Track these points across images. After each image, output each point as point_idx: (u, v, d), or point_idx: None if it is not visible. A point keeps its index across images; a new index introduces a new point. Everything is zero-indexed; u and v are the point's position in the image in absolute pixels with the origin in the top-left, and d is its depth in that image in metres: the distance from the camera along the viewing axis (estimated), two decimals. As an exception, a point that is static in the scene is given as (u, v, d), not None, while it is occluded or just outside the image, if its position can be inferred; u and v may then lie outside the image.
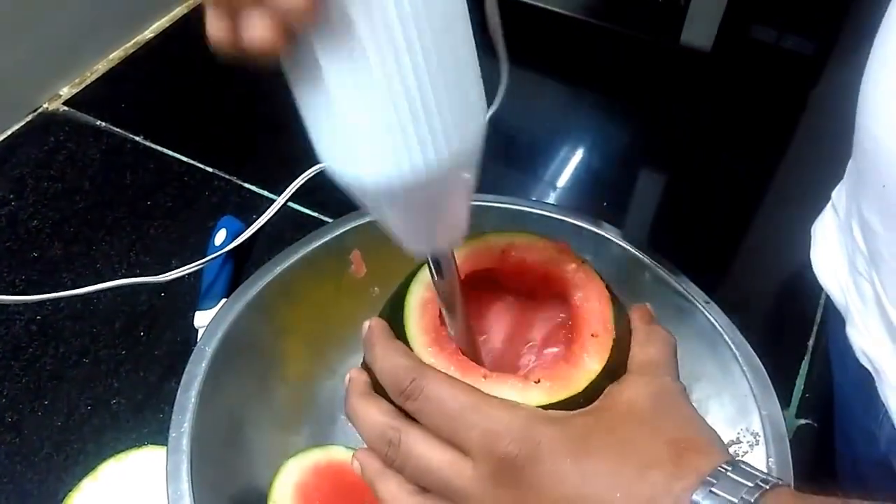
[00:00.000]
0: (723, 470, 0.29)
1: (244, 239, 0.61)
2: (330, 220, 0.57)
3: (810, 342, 0.60)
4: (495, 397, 0.32)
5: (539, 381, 0.33)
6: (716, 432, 0.32)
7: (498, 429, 0.30)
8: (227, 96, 0.79)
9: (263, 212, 0.64)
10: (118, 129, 0.74)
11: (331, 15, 0.24)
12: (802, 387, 0.57)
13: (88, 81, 0.79)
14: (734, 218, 0.71)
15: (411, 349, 0.34)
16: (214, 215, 0.65)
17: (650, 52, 0.83)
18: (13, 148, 0.71)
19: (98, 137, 0.73)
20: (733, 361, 0.45)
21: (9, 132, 0.73)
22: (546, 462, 0.30)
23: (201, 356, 0.44)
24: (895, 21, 0.38)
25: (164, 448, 0.41)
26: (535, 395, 0.32)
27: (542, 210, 0.52)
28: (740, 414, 0.44)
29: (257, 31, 0.24)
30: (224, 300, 0.58)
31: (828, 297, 0.48)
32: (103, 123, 0.74)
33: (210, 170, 0.71)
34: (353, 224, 0.51)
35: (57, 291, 0.60)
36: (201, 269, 0.59)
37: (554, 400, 0.32)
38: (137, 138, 0.73)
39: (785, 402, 0.49)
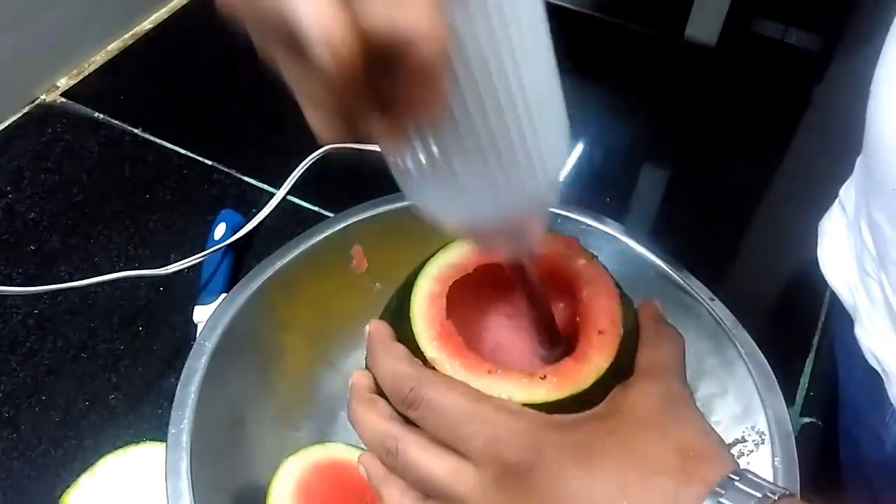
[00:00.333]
0: (731, 479, 0.28)
1: (244, 233, 0.60)
2: (330, 214, 0.56)
3: (815, 340, 0.60)
4: (498, 401, 0.31)
5: (545, 377, 0.32)
6: (721, 439, 0.32)
7: (501, 435, 0.30)
8: (226, 89, 0.78)
9: (263, 205, 0.64)
10: (116, 122, 0.73)
11: (448, 109, 0.24)
12: (807, 385, 0.57)
13: (87, 73, 0.78)
14: (738, 214, 0.71)
15: (416, 343, 0.34)
16: (214, 208, 0.65)
17: (654, 47, 0.83)
18: (10, 140, 0.71)
19: (96, 129, 0.72)
20: (738, 359, 0.45)
21: (6, 124, 0.72)
22: (550, 468, 0.30)
23: (201, 351, 0.44)
24: None
25: (163, 444, 0.40)
26: (540, 391, 0.32)
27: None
28: (745, 412, 0.43)
29: (378, 132, 0.23)
30: (224, 295, 0.57)
31: (833, 295, 0.48)
32: (101, 115, 0.74)
33: (209, 163, 0.70)
34: (355, 219, 0.51)
35: (54, 284, 0.59)
36: (200, 263, 0.59)
37: (559, 396, 0.32)
38: (136, 130, 0.73)
39: (790, 400, 0.49)
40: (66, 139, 0.71)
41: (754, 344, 0.45)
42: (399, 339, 0.35)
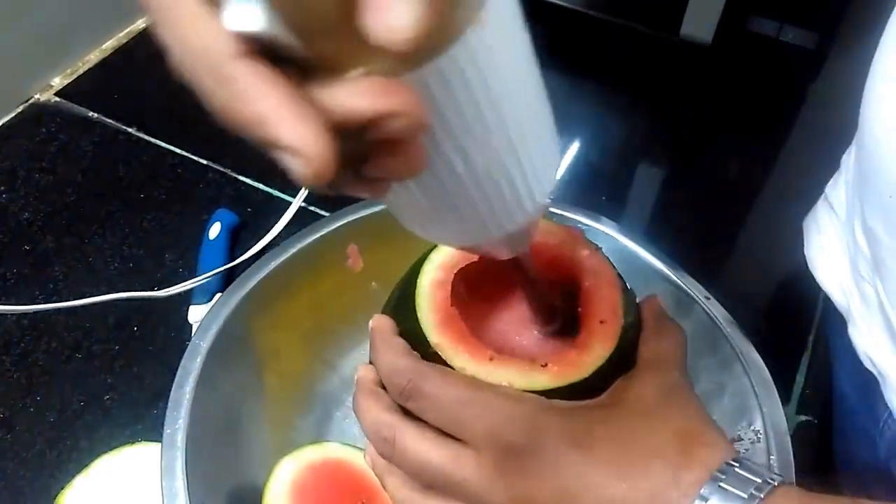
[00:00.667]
0: (730, 465, 0.28)
1: (264, 244, 0.59)
2: (326, 214, 0.56)
3: (810, 338, 0.60)
4: (498, 387, 0.31)
5: (546, 364, 0.32)
6: (721, 428, 0.32)
7: (502, 419, 0.30)
8: (221, 88, 0.78)
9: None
10: (111, 121, 0.73)
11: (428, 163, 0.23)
12: (803, 383, 0.57)
13: (81, 72, 0.78)
14: (733, 212, 0.71)
15: (421, 329, 0.34)
16: (209, 208, 0.65)
17: (650, 45, 0.83)
18: (4, 139, 0.70)
19: (90, 129, 0.72)
20: (734, 358, 0.45)
21: (0, 123, 0.72)
22: (551, 452, 0.30)
23: (196, 351, 0.44)
24: None
25: (158, 444, 0.40)
26: (541, 379, 0.32)
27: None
28: (741, 411, 0.43)
29: (359, 193, 0.23)
30: (219, 295, 0.57)
31: (826, 296, 0.48)
32: (96, 115, 0.73)
33: (204, 162, 0.70)
34: (350, 218, 0.51)
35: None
36: (196, 263, 0.58)
37: (560, 384, 0.32)
38: (130, 130, 0.72)
39: (785, 398, 0.49)
40: (60, 138, 0.71)
41: (750, 343, 0.45)
42: (403, 326, 0.35)
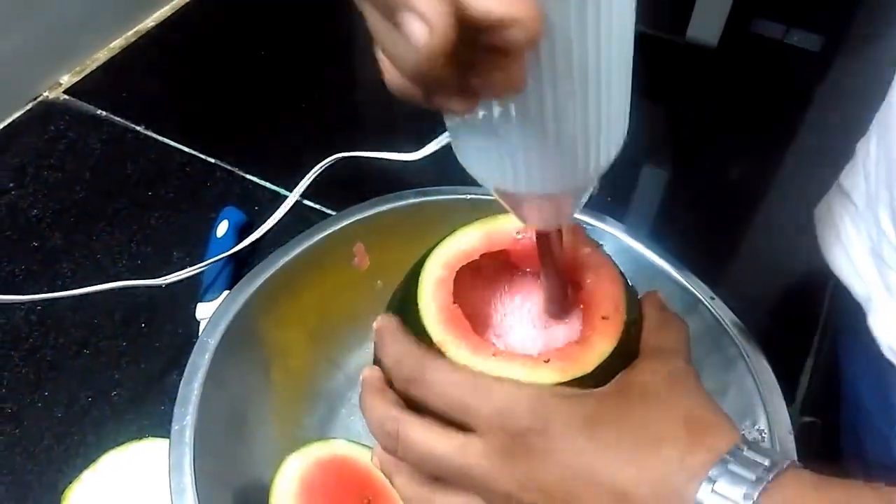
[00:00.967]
0: (739, 448, 0.28)
1: (256, 237, 0.60)
2: (333, 213, 0.56)
3: (815, 338, 0.60)
4: (503, 377, 0.32)
5: (549, 360, 0.33)
6: (728, 415, 0.32)
7: (508, 404, 0.30)
8: (228, 86, 0.78)
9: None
10: (119, 119, 0.73)
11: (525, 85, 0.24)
12: (807, 384, 0.57)
13: (89, 70, 0.78)
14: (738, 214, 0.71)
15: (423, 326, 0.34)
16: (216, 206, 0.65)
17: (656, 47, 0.83)
18: (13, 136, 0.71)
19: (99, 127, 0.73)
20: (738, 358, 0.45)
21: (9, 120, 0.72)
22: (558, 436, 0.30)
23: (204, 348, 0.44)
24: None
25: (165, 440, 0.40)
26: (545, 374, 0.32)
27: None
28: (746, 411, 0.43)
29: (450, 105, 0.24)
30: (226, 292, 0.57)
31: (837, 292, 0.47)
32: (104, 112, 0.74)
33: (212, 160, 0.70)
34: (357, 217, 0.51)
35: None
36: (204, 260, 0.59)
37: (564, 379, 0.32)
38: (138, 128, 0.73)
39: (790, 398, 0.49)
40: (69, 136, 0.71)
41: (754, 343, 0.45)
42: (406, 324, 0.35)
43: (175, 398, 0.42)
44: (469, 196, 0.51)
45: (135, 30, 0.83)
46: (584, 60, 0.24)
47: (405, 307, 0.36)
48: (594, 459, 0.29)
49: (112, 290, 0.54)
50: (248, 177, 0.69)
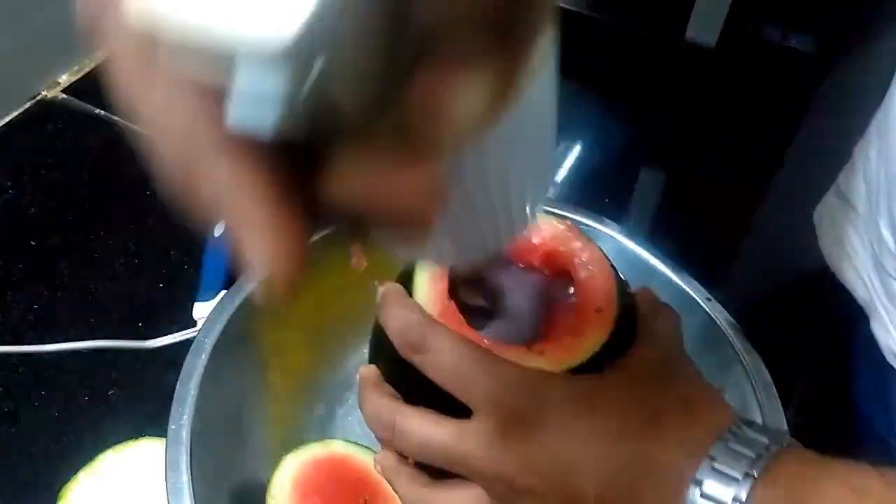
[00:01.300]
0: (738, 427, 0.28)
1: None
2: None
3: (812, 340, 0.60)
4: (503, 358, 0.32)
5: (542, 351, 0.33)
6: (723, 396, 0.32)
7: (506, 384, 0.30)
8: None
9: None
10: (117, 118, 0.73)
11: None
12: (804, 386, 0.57)
13: (88, 69, 0.78)
14: (736, 216, 0.71)
15: None
16: (214, 206, 0.65)
17: (654, 49, 0.83)
18: (11, 135, 0.71)
19: (97, 126, 0.72)
20: (735, 360, 0.45)
21: (7, 119, 0.72)
22: (554, 416, 0.30)
23: (200, 348, 0.44)
24: None
25: (162, 440, 0.40)
26: (538, 364, 0.32)
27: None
28: (742, 413, 0.43)
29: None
30: (223, 292, 0.57)
31: (839, 298, 0.47)
32: (102, 112, 0.74)
33: (210, 160, 0.70)
34: (355, 217, 0.51)
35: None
36: (201, 260, 0.59)
37: (556, 369, 0.32)
38: (137, 127, 0.73)
39: (786, 401, 0.49)
40: (68, 135, 0.71)
41: (751, 344, 0.45)
42: None
43: (172, 398, 0.42)
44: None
45: (134, 29, 0.83)
46: (501, 166, 0.24)
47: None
48: (591, 440, 0.29)
49: (113, 281, 0.54)
50: (247, 177, 0.69)
